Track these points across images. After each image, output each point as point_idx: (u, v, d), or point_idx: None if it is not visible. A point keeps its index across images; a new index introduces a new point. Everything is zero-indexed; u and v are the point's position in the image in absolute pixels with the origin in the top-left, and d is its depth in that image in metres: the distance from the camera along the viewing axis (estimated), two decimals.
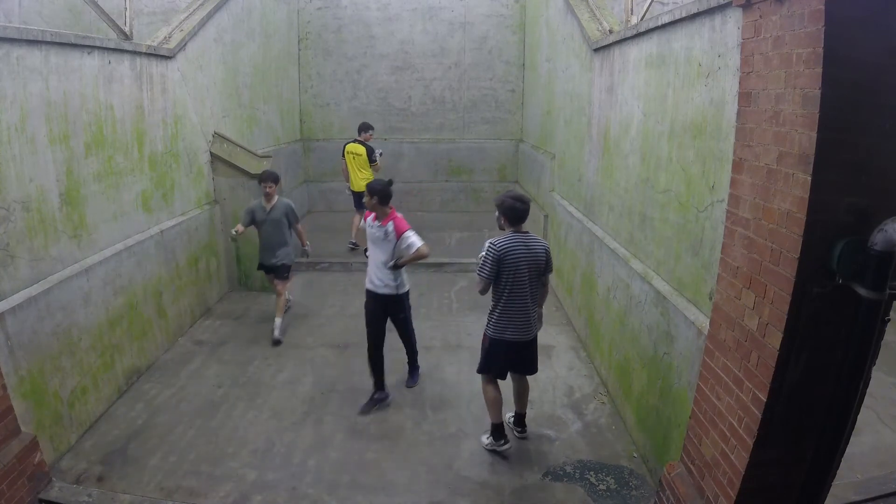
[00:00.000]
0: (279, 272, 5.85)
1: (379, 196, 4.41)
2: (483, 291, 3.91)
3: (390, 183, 4.52)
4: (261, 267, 6.02)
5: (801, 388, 2.25)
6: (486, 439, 4.12)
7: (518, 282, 3.80)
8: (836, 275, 2.09)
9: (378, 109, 10.63)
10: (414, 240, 4.38)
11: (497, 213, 3.92)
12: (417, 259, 4.45)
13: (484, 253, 3.78)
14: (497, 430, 4.01)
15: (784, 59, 2.18)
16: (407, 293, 4.68)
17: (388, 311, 4.64)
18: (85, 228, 4.32)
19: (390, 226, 4.41)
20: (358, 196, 8.00)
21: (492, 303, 3.92)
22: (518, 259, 3.76)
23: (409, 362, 5.05)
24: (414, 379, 5.01)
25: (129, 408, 4.54)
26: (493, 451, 4.04)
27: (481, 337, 4.06)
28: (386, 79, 10.53)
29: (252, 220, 5.71)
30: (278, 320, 5.78)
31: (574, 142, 6.40)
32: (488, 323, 3.97)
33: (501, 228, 3.94)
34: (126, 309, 4.75)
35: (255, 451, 4.01)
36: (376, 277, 4.51)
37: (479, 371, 4.11)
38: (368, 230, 4.52)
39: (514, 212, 3.84)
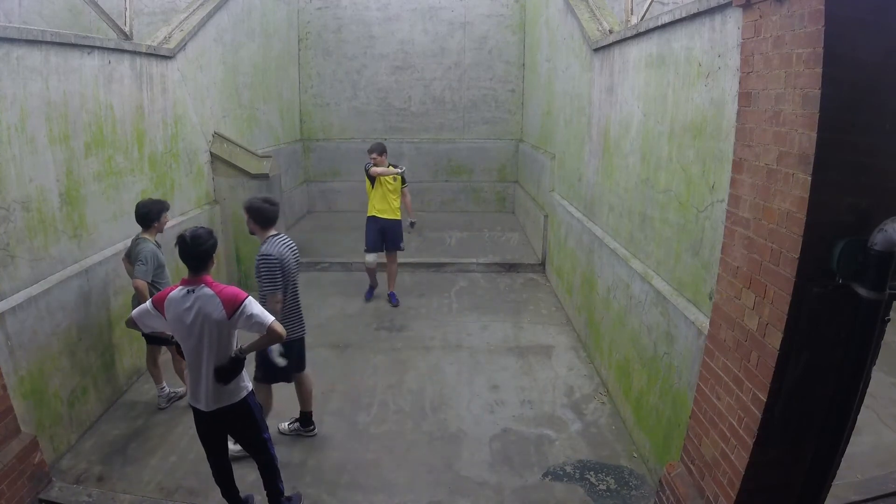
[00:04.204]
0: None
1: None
2: (280, 303, 3.68)
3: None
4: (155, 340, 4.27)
5: (801, 388, 2.25)
6: (288, 425, 4.20)
7: (294, 282, 3.87)
8: (836, 275, 2.08)
9: (378, 109, 10.64)
10: (258, 310, 2.95)
11: (246, 217, 3.78)
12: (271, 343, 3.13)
13: (265, 267, 3.62)
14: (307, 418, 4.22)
15: (784, 59, 2.18)
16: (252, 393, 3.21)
17: (234, 431, 3.26)
18: (85, 228, 4.32)
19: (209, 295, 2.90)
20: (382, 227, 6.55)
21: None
22: (291, 260, 3.81)
23: None
24: None
25: (129, 408, 4.53)
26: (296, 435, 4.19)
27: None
28: (386, 79, 10.54)
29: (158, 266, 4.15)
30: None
31: (574, 142, 6.40)
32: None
33: (252, 233, 3.85)
34: (126, 309, 4.73)
35: None
36: (211, 388, 3.00)
37: (267, 380, 3.88)
38: (180, 311, 2.91)
39: (264, 213, 3.71)
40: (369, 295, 6.83)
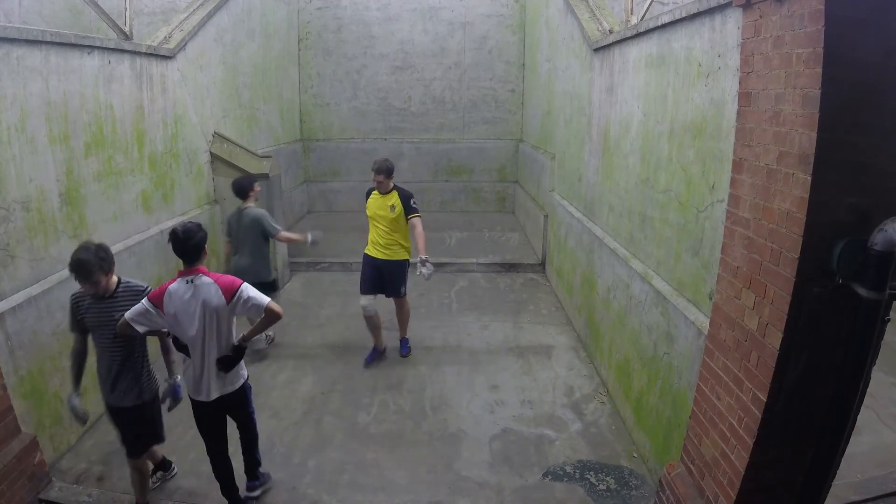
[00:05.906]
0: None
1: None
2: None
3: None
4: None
5: (801, 388, 2.25)
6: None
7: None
8: (836, 275, 2.08)
9: (378, 109, 10.64)
10: (255, 294, 3.07)
11: (95, 279, 3.13)
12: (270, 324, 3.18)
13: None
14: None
15: (784, 59, 2.18)
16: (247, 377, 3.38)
17: (231, 413, 3.38)
18: (85, 228, 4.32)
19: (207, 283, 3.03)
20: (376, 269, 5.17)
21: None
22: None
23: (250, 475, 3.57)
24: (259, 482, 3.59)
25: None
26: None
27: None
28: (386, 79, 10.53)
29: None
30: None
31: (574, 142, 6.40)
32: (146, 379, 3.30)
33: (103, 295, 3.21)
34: None
35: None
36: (214, 378, 3.13)
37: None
38: (180, 303, 2.99)
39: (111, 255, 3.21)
40: (370, 358, 5.28)
